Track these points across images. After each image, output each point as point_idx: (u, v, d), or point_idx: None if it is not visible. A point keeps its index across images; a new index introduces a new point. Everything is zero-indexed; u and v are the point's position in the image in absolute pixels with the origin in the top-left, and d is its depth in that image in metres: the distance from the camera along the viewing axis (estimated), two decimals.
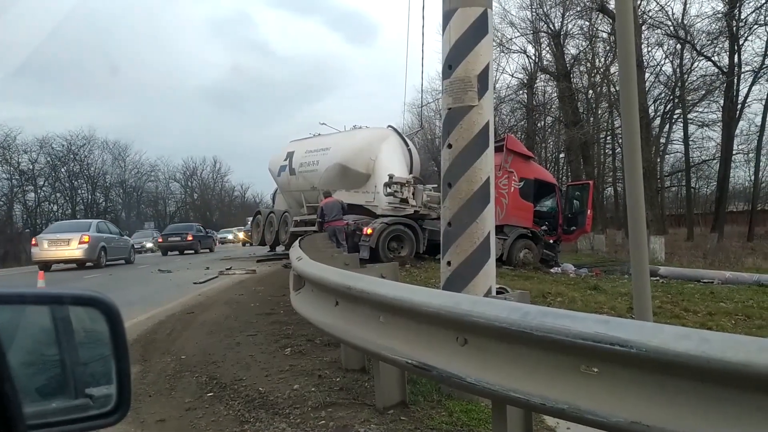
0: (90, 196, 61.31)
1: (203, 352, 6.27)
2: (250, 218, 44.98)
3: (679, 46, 30.62)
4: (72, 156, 58.36)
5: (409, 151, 19.72)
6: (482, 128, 4.43)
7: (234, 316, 8.58)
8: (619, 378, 2.27)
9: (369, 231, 16.03)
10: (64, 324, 0.96)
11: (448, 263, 4.50)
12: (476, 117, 4.41)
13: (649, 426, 2.14)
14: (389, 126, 20.52)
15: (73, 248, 19.57)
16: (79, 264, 20.03)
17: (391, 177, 17.09)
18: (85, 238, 19.77)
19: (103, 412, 0.95)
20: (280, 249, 22.28)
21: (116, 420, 0.97)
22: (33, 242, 20.81)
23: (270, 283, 12.92)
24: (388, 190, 17.01)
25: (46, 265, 19.09)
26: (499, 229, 14.03)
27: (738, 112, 29.77)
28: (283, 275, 13.51)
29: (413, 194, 17.26)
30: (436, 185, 19.01)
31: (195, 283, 13.60)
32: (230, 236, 49.15)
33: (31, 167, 53.07)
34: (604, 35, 31.30)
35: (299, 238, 12.40)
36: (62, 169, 58.07)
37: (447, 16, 4.49)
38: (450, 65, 4.47)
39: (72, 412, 0.92)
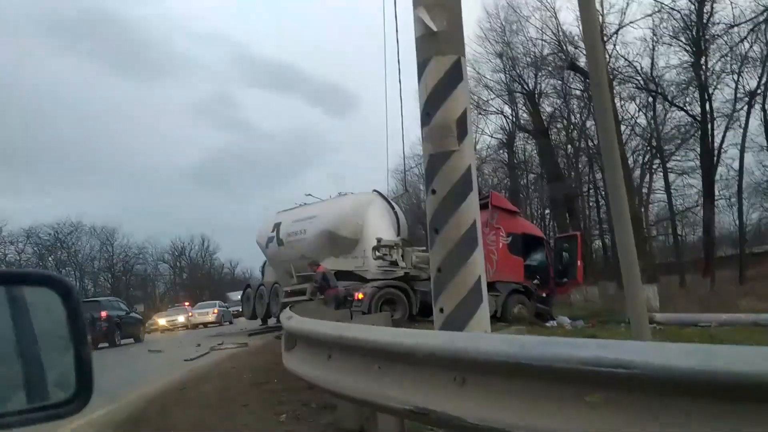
0: (78, 283, 60.65)
1: (196, 425, 6.06)
2: (231, 293, 44.85)
3: (650, 99, 31.48)
4: (59, 244, 58.17)
5: (395, 213, 19.81)
6: (464, 172, 4.45)
7: (227, 388, 8.35)
8: (625, 403, 2.17)
9: (360, 296, 15.91)
10: (16, 305, 0.89)
11: (441, 310, 4.41)
12: (458, 161, 4.44)
13: None
14: (374, 190, 20.67)
15: (211, 316, 36.07)
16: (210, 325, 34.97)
17: (379, 240, 17.09)
18: (216, 311, 36.70)
19: (62, 400, 0.86)
20: (272, 322, 21.96)
21: (77, 409, 0.88)
22: (190, 314, 37.21)
23: (262, 354, 12.62)
24: (377, 253, 16.98)
25: (195, 326, 35.21)
26: (491, 286, 13.94)
27: (716, 158, 30.35)
28: (275, 346, 13.19)
29: (402, 256, 17.22)
30: (424, 247, 19.02)
31: (186, 360, 13.28)
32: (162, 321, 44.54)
33: (18, 258, 52.78)
34: (578, 92, 32.23)
35: (289, 306, 12.21)
36: (49, 258, 57.66)
37: (422, 66, 4.58)
38: (428, 112, 4.52)
39: (27, 403, 0.83)
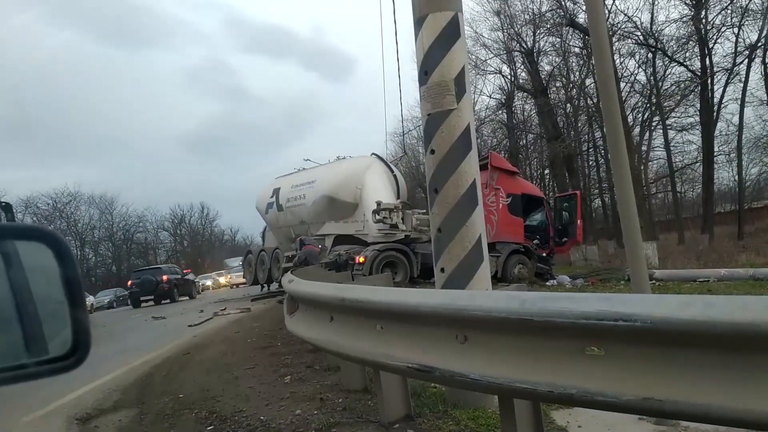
0: (79, 253, 60.83)
1: (201, 389, 6.13)
2: (229, 260, 45.95)
3: (650, 55, 31.07)
4: (58, 213, 58.19)
5: (395, 176, 19.74)
6: (464, 131, 4.41)
7: (231, 352, 8.44)
8: (627, 355, 2.19)
9: (361, 259, 15.97)
10: (9, 261, 0.88)
11: (442, 270, 4.42)
12: (456, 120, 4.39)
13: (662, 400, 2.06)
14: (373, 154, 20.56)
15: (242, 278, 34.35)
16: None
17: (378, 204, 17.07)
18: None
19: (62, 355, 0.86)
20: (274, 287, 22.10)
21: (74, 364, 0.88)
22: (228, 277, 43.52)
23: (266, 318, 12.75)
24: (377, 217, 16.98)
25: (230, 286, 41.39)
26: (492, 246, 14.00)
27: (715, 113, 30.07)
28: (278, 311, 13.30)
29: (402, 219, 17.23)
30: (424, 210, 19.01)
31: (190, 325, 13.40)
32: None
33: None
34: (577, 50, 31.81)
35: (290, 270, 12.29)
36: (49, 228, 57.66)
37: (418, 23, 4.50)
38: (426, 71, 4.46)
39: (24, 358, 0.83)
